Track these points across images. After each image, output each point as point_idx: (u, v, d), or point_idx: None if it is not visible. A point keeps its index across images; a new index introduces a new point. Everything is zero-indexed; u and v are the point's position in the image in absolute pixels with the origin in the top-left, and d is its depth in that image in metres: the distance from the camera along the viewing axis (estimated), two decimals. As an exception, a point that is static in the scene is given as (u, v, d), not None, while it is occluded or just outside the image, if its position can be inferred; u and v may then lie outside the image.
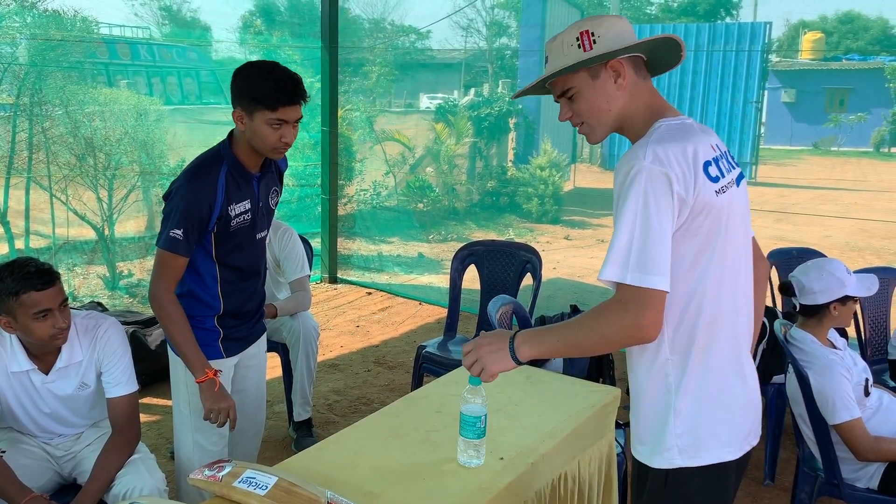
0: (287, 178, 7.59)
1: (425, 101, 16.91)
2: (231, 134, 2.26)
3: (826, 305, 2.57)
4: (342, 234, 7.15)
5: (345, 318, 5.62)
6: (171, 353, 2.38)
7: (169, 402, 2.51)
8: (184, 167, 2.28)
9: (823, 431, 2.48)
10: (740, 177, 1.62)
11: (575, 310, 2.99)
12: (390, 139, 10.09)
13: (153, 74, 9.45)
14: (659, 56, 1.62)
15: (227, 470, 1.70)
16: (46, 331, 2.11)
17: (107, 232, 6.10)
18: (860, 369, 2.59)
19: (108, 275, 6.14)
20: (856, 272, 3.67)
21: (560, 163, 11.12)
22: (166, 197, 2.24)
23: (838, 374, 2.45)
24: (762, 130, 25.44)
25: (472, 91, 14.05)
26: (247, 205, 2.28)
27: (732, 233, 1.54)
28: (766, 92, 24.56)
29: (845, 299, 2.56)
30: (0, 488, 2.05)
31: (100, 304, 5.00)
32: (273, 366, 3.61)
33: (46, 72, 5.48)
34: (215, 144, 2.28)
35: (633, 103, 1.58)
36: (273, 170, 2.40)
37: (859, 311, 3.62)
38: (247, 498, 1.62)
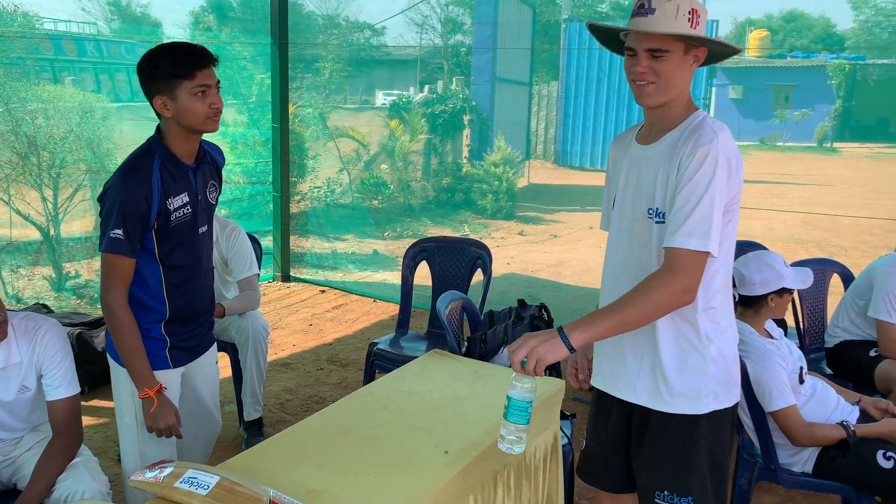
0: (238, 176, 7.53)
1: (381, 98, 16.87)
2: (158, 128, 2.22)
3: (764, 297, 2.65)
4: (295, 231, 7.10)
5: (298, 317, 5.59)
6: (112, 362, 2.31)
7: (115, 405, 2.47)
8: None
9: (761, 419, 2.56)
10: None
11: (522, 304, 3.03)
12: (344, 136, 10.05)
13: (101, 71, 9.23)
14: (713, 55, 1.80)
15: (168, 470, 1.69)
16: None
17: (52, 232, 5.96)
18: (795, 358, 2.68)
19: (54, 276, 6.01)
20: (794, 264, 3.80)
21: (513, 159, 11.22)
22: (101, 198, 2.17)
23: (775, 364, 2.53)
24: (711, 126, 25.99)
25: (427, 88, 14.06)
26: (185, 198, 2.22)
27: None
28: (714, 88, 25.11)
29: (782, 291, 2.65)
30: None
31: (45, 305, 4.88)
32: (223, 366, 3.58)
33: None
34: (145, 141, 2.24)
35: (686, 88, 1.78)
36: (209, 161, 2.35)
37: (798, 301, 3.73)
38: (188, 498, 1.61)
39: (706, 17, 1.74)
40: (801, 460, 2.59)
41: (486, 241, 4.00)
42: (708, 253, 1.65)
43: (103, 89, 8.81)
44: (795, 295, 3.76)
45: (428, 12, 24.18)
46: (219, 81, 2.18)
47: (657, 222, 1.77)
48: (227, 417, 3.79)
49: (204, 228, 2.36)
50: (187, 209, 2.24)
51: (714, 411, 1.80)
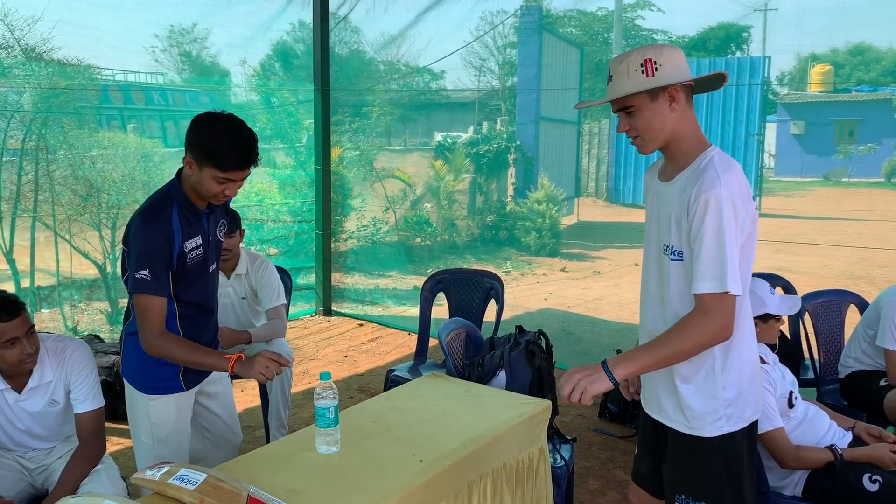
0: (285, 215, 7.84)
1: (439, 139, 17.28)
2: (180, 172, 2.36)
3: None
4: (339, 268, 7.37)
5: (334, 349, 5.81)
6: (127, 384, 2.49)
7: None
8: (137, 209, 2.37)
9: (750, 442, 2.61)
10: None
11: (521, 330, 3.17)
12: (391, 176, 10.37)
13: (167, 118, 9.85)
14: (704, 84, 1.93)
15: (165, 469, 1.90)
16: (15, 356, 2.33)
17: (109, 269, 6.37)
18: (787, 383, 2.72)
19: (110, 310, 6.40)
20: (812, 294, 3.83)
21: (557, 197, 11.34)
22: (126, 241, 2.34)
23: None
24: (771, 163, 25.53)
25: (471, 129, 14.36)
26: (198, 240, 2.39)
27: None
28: (775, 124, 24.71)
29: (766, 317, 2.71)
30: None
31: (97, 336, 5.24)
32: (254, 394, 3.77)
33: (51, 117, 5.81)
34: (165, 184, 2.40)
35: (681, 126, 1.88)
36: (220, 204, 2.52)
37: (812, 332, 3.74)
38: (178, 493, 1.81)
39: (670, 59, 1.83)
40: (792, 483, 2.63)
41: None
42: (728, 293, 1.77)
43: (169, 136, 9.38)
44: (810, 326, 3.77)
45: (486, 56, 24.79)
46: (246, 176, 2.30)
47: (671, 259, 1.91)
48: (258, 442, 4.01)
49: (213, 266, 2.54)
50: (199, 251, 2.42)
51: (728, 433, 1.93)
